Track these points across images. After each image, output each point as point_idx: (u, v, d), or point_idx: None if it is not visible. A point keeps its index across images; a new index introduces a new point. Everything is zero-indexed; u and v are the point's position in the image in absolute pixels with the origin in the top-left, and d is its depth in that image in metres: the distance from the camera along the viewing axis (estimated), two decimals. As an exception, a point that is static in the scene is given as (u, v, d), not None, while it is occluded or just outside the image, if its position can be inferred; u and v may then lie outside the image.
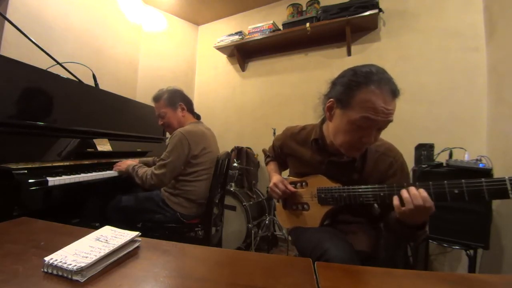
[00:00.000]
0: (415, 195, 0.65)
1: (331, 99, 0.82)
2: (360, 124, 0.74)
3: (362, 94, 0.72)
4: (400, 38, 1.98)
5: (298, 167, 1.03)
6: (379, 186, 0.76)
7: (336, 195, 0.85)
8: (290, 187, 0.97)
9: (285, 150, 1.07)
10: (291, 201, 1.01)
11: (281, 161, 1.19)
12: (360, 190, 0.80)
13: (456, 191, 0.65)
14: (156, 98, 1.48)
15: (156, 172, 1.28)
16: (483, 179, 0.63)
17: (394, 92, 0.73)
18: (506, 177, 0.59)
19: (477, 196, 0.63)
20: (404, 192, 0.67)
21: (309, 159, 0.95)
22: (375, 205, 0.93)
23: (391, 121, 0.74)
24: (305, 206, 0.96)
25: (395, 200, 0.68)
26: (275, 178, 1.02)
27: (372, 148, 0.86)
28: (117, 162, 1.48)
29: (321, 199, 0.90)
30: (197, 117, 1.59)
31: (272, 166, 1.17)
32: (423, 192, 0.65)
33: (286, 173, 1.18)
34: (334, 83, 0.84)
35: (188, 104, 1.51)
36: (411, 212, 0.65)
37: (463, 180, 0.65)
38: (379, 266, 0.83)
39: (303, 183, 0.98)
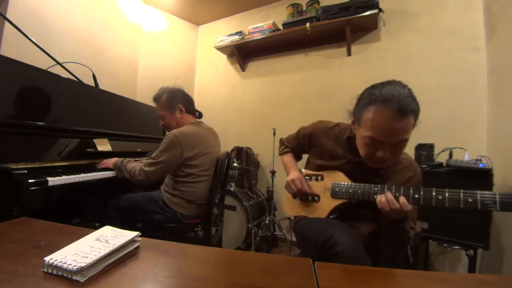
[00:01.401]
0: (391, 200, 0.74)
1: (352, 116, 0.88)
2: (368, 142, 0.79)
3: (367, 114, 0.77)
4: (400, 38, 1.98)
5: (322, 160, 1.03)
6: (395, 188, 0.78)
7: (351, 191, 0.88)
8: (306, 187, 0.99)
9: (314, 141, 1.06)
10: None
11: (300, 153, 1.20)
12: (376, 188, 0.82)
13: (471, 200, 0.68)
14: (156, 99, 1.48)
15: (145, 169, 1.28)
16: (478, 192, 0.68)
17: (402, 110, 0.70)
18: (497, 193, 0.65)
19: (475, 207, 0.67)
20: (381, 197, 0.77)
21: (337, 155, 0.97)
22: None
23: (404, 139, 0.76)
24: (315, 198, 0.99)
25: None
26: (293, 174, 1.03)
27: (397, 159, 0.89)
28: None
29: (334, 192, 0.92)
30: (199, 115, 1.58)
31: (289, 158, 1.17)
32: (400, 199, 0.74)
33: (300, 165, 1.18)
34: (356, 100, 0.87)
35: (187, 104, 1.50)
36: (387, 212, 0.76)
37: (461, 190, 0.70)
38: (380, 263, 0.85)
39: (319, 177, 1.00)
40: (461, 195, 0.68)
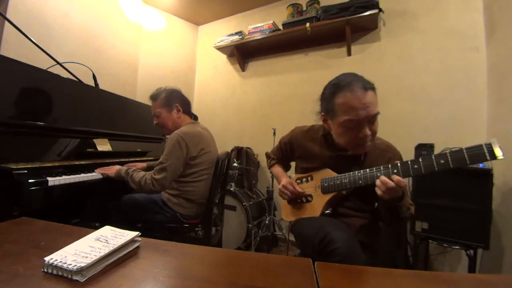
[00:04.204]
0: (385, 181, 0.76)
1: (322, 113, 0.95)
2: (348, 125, 0.84)
3: (338, 100, 0.85)
4: (400, 38, 1.98)
5: (306, 162, 1.07)
6: (376, 168, 0.83)
7: (338, 182, 0.91)
8: (298, 188, 1.03)
9: (295, 147, 1.11)
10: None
11: (286, 161, 1.24)
12: (359, 174, 0.86)
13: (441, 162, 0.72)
14: (153, 97, 1.48)
15: (157, 176, 1.24)
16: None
17: (365, 86, 0.81)
18: (464, 148, 0.69)
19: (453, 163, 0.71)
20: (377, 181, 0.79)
21: (319, 154, 1.01)
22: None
23: (375, 113, 0.83)
24: (308, 198, 1.02)
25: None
26: (284, 180, 1.07)
27: (373, 145, 0.93)
28: (116, 162, 1.48)
29: (324, 188, 0.96)
30: (194, 118, 1.58)
31: (278, 168, 1.22)
32: (394, 177, 0.76)
33: (290, 173, 1.20)
34: (320, 100, 0.96)
35: (185, 105, 1.50)
36: (385, 192, 0.77)
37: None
38: (378, 259, 0.86)
39: (309, 178, 1.04)
40: (433, 158, 0.73)
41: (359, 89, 0.81)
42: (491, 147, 0.65)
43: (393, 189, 0.75)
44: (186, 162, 1.33)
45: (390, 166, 0.80)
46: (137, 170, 1.35)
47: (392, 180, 0.75)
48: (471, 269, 1.33)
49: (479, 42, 1.69)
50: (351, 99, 0.82)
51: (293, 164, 1.24)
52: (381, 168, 0.81)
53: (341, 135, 0.89)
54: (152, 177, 1.25)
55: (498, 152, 0.64)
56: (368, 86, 0.82)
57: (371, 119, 0.83)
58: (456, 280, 0.52)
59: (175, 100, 1.46)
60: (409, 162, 0.77)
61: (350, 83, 0.82)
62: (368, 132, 0.83)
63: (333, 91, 0.87)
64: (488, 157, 0.65)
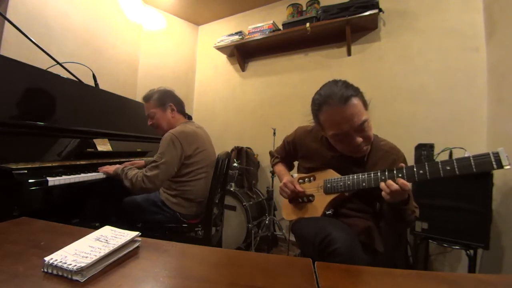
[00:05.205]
0: (391, 184, 0.75)
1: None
2: (337, 138, 0.86)
3: (321, 117, 0.87)
4: (400, 38, 1.98)
5: (309, 162, 1.07)
6: (381, 171, 0.82)
7: (342, 183, 0.91)
8: (299, 187, 1.02)
9: (298, 146, 1.12)
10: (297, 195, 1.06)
11: (289, 161, 1.24)
12: (363, 176, 0.86)
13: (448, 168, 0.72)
14: (146, 98, 1.47)
15: (148, 174, 1.23)
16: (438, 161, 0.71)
17: (343, 98, 0.80)
18: (471, 156, 0.68)
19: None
20: (382, 184, 0.78)
21: (321, 154, 1.01)
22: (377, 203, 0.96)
23: (361, 123, 0.82)
24: (310, 198, 1.01)
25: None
26: (285, 179, 1.07)
27: (377, 146, 0.94)
28: (117, 162, 1.48)
29: (327, 188, 0.96)
30: (188, 117, 1.57)
31: (280, 167, 1.22)
32: (399, 180, 0.75)
33: (292, 173, 1.19)
34: (311, 112, 0.95)
35: (178, 105, 1.49)
36: (390, 195, 0.76)
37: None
38: (378, 260, 0.85)
39: (311, 178, 1.04)
40: (439, 164, 0.72)
41: (338, 103, 0.80)
42: (499, 156, 0.64)
43: (398, 192, 0.74)
44: (181, 161, 1.32)
45: (395, 170, 0.79)
46: (132, 168, 1.34)
47: (397, 183, 0.75)
48: (471, 269, 1.33)
49: (479, 42, 1.69)
50: (331, 115, 0.83)
51: (296, 164, 1.25)
52: (386, 171, 0.81)
53: (335, 145, 0.91)
54: (143, 174, 1.25)
55: (505, 162, 0.64)
56: (348, 95, 0.80)
57: (358, 128, 0.82)
58: (456, 280, 0.52)
59: (168, 100, 1.46)
60: (414, 167, 0.76)
61: (328, 97, 0.83)
62: (359, 140, 0.83)
63: (316, 108, 0.88)
64: (494, 166, 0.64)
